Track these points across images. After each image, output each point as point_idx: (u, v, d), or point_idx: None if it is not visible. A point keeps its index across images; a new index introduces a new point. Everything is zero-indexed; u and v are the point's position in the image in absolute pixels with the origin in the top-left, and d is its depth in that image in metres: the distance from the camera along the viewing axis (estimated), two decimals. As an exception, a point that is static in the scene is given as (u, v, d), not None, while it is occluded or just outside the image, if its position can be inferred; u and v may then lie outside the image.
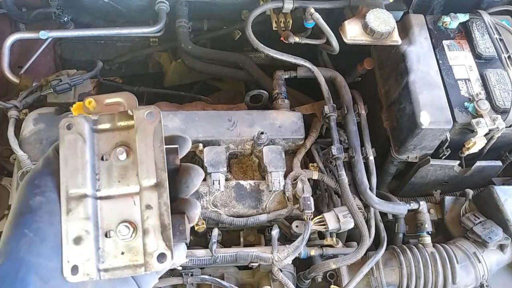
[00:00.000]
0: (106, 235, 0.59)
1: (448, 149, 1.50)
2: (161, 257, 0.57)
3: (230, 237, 1.51)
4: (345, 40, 1.53)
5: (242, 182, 1.50)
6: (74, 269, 0.56)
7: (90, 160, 0.60)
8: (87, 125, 0.61)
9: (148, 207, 0.59)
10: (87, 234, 0.57)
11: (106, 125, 0.62)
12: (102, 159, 0.61)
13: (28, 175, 0.62)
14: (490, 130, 1.41)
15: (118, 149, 0.61)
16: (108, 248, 0.58)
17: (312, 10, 1.60)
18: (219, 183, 1.42)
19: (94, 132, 0.62)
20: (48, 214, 0.58)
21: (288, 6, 1.63)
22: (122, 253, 0.58)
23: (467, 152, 1.48)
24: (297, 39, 1.68)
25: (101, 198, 0.60)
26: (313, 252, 1.44)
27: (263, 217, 1.43)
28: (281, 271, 1.37)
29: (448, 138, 1.46)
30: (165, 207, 0.58)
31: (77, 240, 0.57)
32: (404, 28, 1.60)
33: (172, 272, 1.39)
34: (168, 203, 0.58)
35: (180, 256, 0.61)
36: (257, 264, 1.38)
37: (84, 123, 0.60)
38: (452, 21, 1.60)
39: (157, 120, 0.61)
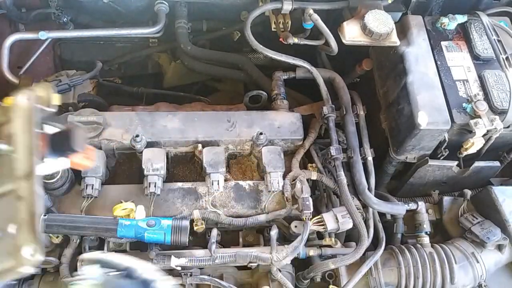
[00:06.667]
0: None
1: (447, 149, 1.51)
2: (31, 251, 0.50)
3: (229, 237, 1.51)
4: (343, 41, 1.54)
5: (241, 182, 1.50)
6: None
7: None
8: None
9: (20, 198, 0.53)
10: None
11: None
12: None
13: None
14: (488, 131, 1.41)
15: None
16: None
17: (311, 11, 1.61)
18: (218, 184, 1.42)
19: None
20: None
21: (287, 7, 1.64)
22: None
23: (465, 153, 1.49)
24: (296, 40, 1.68)
25: None
26: (312, 252, 1.44)
27: (262, 218, 1.43)
28: (280, 271, 1.37)
29: (446, 139, 1.47)
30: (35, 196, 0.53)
31: None
32: (402, 29, 1.60)
33: (171, 272, 1.39)
34: (37, 191, 0.53)
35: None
36: (256, 264, 1.39)
37: None
38: (451, 22, 1.61)
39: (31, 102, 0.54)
